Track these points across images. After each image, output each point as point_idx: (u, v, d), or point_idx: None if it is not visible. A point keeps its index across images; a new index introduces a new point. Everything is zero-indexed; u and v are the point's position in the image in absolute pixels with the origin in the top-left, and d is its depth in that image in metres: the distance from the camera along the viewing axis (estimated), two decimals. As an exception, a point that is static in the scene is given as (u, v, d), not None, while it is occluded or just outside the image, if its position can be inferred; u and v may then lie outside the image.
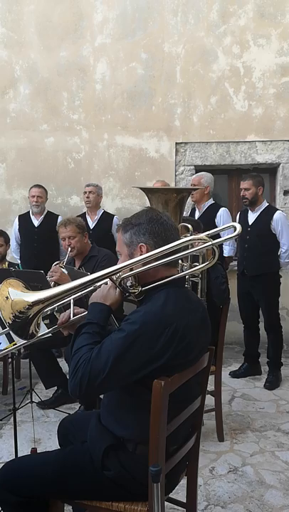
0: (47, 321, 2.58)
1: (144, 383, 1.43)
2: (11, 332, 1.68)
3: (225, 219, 4.37)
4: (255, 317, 4.18)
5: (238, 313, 4.27)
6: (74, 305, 1.70)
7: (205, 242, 1.53)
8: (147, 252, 1.53)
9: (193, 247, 1.69)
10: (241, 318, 4.25)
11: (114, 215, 4.90)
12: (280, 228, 3.92)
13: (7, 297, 1.47)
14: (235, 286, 4.16)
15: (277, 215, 3.93)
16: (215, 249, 1.57)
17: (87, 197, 4.77)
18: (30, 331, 1.49)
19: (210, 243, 1.52)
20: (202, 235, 1.54)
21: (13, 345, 2.27)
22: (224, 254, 4.49)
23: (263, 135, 5.13)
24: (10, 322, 1.47)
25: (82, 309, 1.73)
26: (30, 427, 3.16)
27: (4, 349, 2.28)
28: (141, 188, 3.04)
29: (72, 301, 1.68)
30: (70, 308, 1.70)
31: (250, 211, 4.06)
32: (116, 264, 1.61)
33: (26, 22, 5.25)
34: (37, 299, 1.47)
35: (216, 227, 4.28)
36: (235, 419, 3.32)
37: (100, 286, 1.61)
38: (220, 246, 3.74)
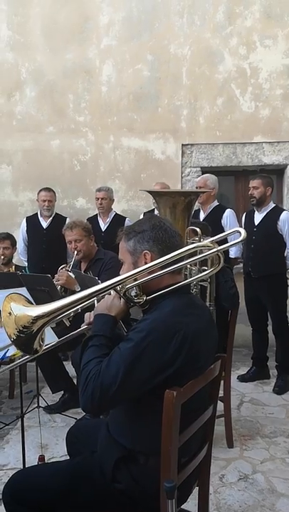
0: (53, 325, 2.56)
1: (154, 393, 1.40)
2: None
3: (231, 220, 4.34)
4: (264, 320, 4.12)
5: (245, 316, 4.21)
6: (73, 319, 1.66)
7: (210, 249, 1.50)
8: (152, 259, 1.50)
9: (197, 253, 1.66)
10: (249, 320, 4.20)
11: (126, 217, 4.81)
12: (287, 228, 3.87)
13: (10, 313, 1.42)
14: (242, 289, 4.11)
15: (284, 215, 3.89)
16: (220, 255, 1.55)
17: (100, 203, 4.71)
18: (35, 347, 1.44)
19: (214, 250, 1.49)
20: (206, 242, 1.51)
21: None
22: (230, 256, 4.43)
23: (269, 136, 5.08)
24: (14, 338, 1.42)
25: None
26: (37, 432, 3.13)
27: (13, 359, 2.26)
28: (149, 192, 3.00)
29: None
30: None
31: (256, 212, 4.02)
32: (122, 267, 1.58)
33: (32, 24, 5.24)
34: (40, 313, 1.42)
35: (222, 228, 4.33)
36: (245, 424, 3.27)
37: (103, 296, 1.57)
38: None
